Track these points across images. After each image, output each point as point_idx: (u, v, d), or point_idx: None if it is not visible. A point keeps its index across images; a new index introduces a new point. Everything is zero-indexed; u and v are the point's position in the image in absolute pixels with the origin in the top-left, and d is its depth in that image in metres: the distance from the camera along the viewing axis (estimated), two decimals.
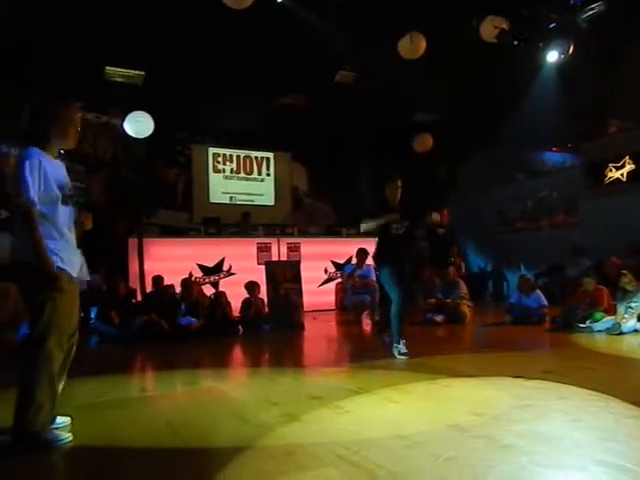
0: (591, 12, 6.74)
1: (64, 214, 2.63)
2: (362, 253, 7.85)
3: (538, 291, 7.07)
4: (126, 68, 7.83)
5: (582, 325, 6.04)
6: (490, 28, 6.57)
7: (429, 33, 6.56)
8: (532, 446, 2.32)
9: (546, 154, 11.17)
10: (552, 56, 7.25)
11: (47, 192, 2.53)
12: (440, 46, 6.70)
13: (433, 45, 6.65)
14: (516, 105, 8.53)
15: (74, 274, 2.65)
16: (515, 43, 6.73)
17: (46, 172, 2.52)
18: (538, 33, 6.98)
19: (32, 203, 2.45)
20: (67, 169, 2.76)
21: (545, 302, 6.94)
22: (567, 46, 7.03)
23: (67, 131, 2.68)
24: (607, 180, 9.64)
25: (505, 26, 6.60)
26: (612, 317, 5.96)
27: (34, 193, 2.46)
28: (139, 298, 7.61)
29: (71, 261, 2.63)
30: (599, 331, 5.90)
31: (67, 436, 2.58)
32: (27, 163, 2.46)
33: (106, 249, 7.88)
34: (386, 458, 2.23)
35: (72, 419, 2.84)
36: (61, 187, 2.60)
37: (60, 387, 2.71)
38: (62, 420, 2.78)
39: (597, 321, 6.00)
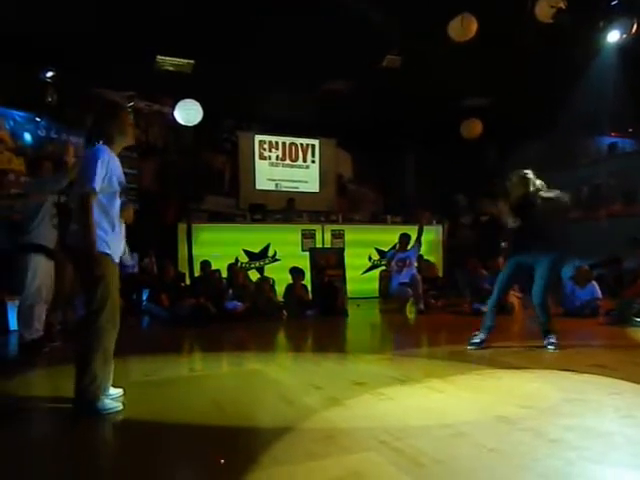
0: None
1: (118, 206, 2.94)
2: (404, 237, 7.84)
3: (593, 282, 6.79)
4: (176, 57, 7.99)
5: (638, 319, 5.77)
6: (546, 8, 6.25)
7: (481, 14, 6.32)
8: (582, 441, 2.25)
9: (604, 139, 10.62)
10: (613, 36, 6.85)
11: (110, 185, 2.85)
12: (492, 27, 6.44)
13: (485, 27, 6.41)
14: (573, 88, 8.12)
15: (116, 259, 2.94)
16: (573, 23, 6.40)
17: (112, 169, 2.86)
18: (598, 12, 6.60)
19: (94, 190, 2.76)
20: (121, 156, 3.01)
21: (599, 294, 6.66)
22: (630, 25, 6.62)
23: (126, 132, 3.06)
24: None
25: (562, 5, 6.28)
26: None
27: (98, 183, 2.77)
28: (187, 282, 7.85)
29: (117, 248, 2.92)
30: None
31: (118, 405, 2.81)
32: (100, 158, 2.81)
33: (157, 234, 8.16)
34: (429, 446, 2.23)
35: (124, 392, 3.02)
36: (120, 183, 2.93)
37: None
38: (116, 391, 2.99)
39: None
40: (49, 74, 7.69)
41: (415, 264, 7.93)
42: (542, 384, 3.31)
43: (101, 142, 2.90)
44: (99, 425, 2.65)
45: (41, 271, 4.49)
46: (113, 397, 2.91)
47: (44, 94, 7.72)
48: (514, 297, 7.08)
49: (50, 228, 4.57)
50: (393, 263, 7.79)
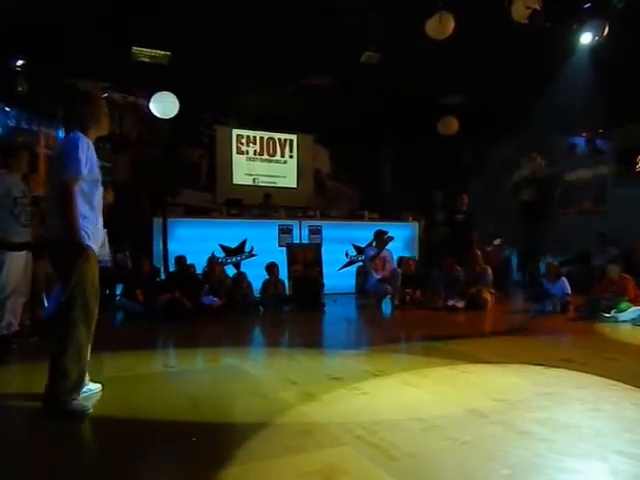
0: None
1: (100, 196, 2.87)
2: (381, 234, 7.85)
3: (563, 278, 6.96)
4: (152, 48, 7.84)
5: (606, 315, 5.94)
6: (522, 8, 6.35)
7: (458, 13, 6.39)
8: (550, 434, 2.31)
9: (576, 139, 10.87)
10: (586, 38, 7.00)
11: (91, 173, 2.77)
12: (469, 27, 6.52)
13: (462, 26, 6.48)
14: (546, 89, 8.29)
15: (96, 251, 2.85)
16: (547, 24, 6.51)
17: (91, 157, 2.77)
18: (572, 14, 6.73)
19: (79, 176, 2.67)
20: (95, 148, 2.93)
21: (569, 290, 6.83)
22: (602, 28, 6.77)
23: (100, 120, 2.95)
24: (638, 167, 9.36)
25: (537, 6, 6.38)
26: (638, 307, 5.84)
27: (82, 170, 2.68)
28: (162, 277, 7.75)
29: (96, 239, 2.82)
30: (624, 321, 5.80)
31: (88, 406, 2.71)
32: (80, 144, 2.70)
33: (132, 228, 8.03)
34: (403, 439, 2.26)
35: (103, 386, 2.99)
36: (99, 171, 2.85)
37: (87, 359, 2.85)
38: (95, 386, 2.95)
39: (622, 311, 5.89)
40: (19, 63, 7.47)
41: (394, 260, 8.00)
42: (514, 378, 3.38)
43: (77, 130, 2.79)
44: (70, 423, 2.59)
45: (14, 266, 4.39)
46: (92, 392, 2.88)
47: (14, 83, 7.49)
48: (488, 293, 7.21)
49: (15, 223, 4.44)
50: (377, 260, 7.77)
